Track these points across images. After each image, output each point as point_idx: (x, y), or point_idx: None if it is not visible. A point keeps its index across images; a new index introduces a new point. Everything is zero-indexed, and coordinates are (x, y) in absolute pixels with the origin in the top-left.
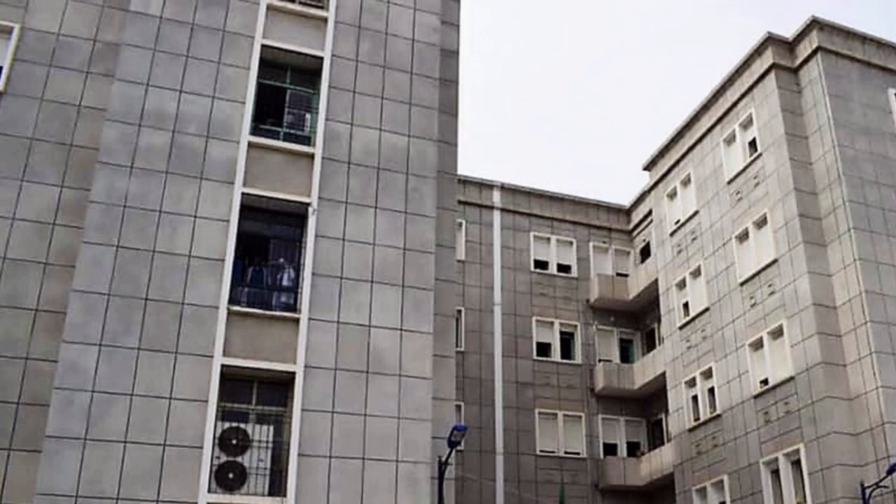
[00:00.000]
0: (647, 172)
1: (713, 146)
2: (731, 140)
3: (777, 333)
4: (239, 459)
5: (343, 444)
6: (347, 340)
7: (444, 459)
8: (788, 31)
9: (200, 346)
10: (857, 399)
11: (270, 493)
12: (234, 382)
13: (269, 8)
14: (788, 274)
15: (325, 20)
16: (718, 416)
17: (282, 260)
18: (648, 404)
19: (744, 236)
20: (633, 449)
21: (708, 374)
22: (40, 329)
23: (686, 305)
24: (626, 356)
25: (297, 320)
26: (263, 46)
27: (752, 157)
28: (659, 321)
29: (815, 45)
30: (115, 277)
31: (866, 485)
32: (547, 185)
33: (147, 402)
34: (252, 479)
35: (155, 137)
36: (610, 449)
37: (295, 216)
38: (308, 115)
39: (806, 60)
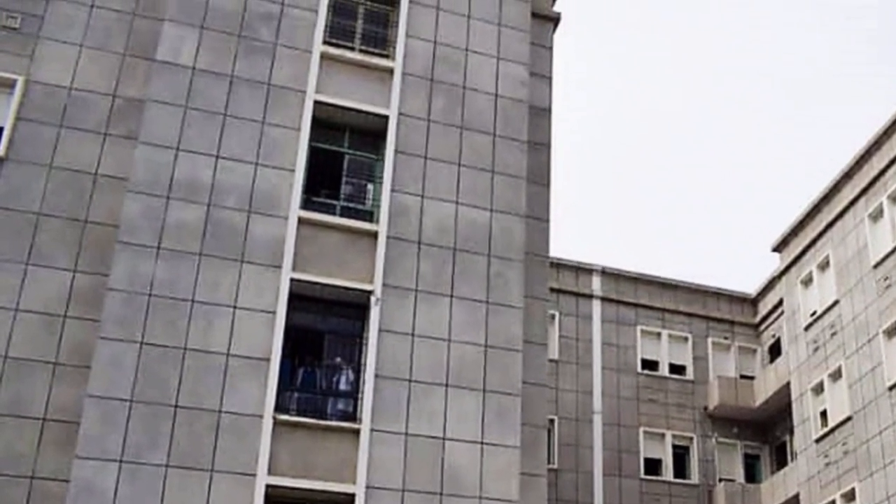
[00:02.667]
0: (776, 254)
1: (856, 223)
2: (877, 216)
3: None
4: None
5: None
6: (417, 456)
7: None
8: None
9: (241, 462)
10: None
11: None
12: None
13: (324, 57)
14: None
15: (390, 72)
16: None
17: (339, 359)
18: None
19: (893, 331)
20: None
21: (850, 497)
22: (49, 442)
23: (824, 414)
24: (751, 475)
25: (357, 432)
26: (316, 103)
27: None
28: (791, 433)
29: None
30: (138, 380)
31: None
32: (656, 270)
33: None
34: None
35: (186, 212)
36: None
37: (354, 307)
38: (370, 186)
39: None
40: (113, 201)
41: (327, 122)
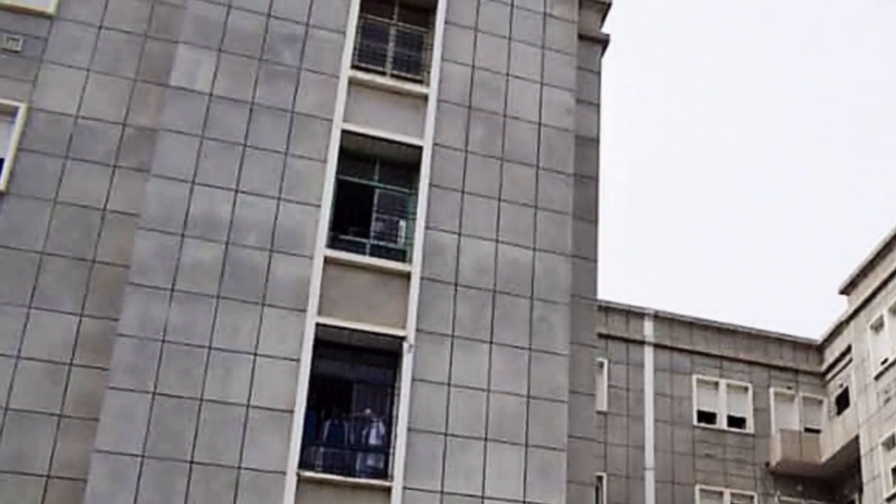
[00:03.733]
0: (844, 297)
1: None
2: None
3: None
4: None
5: None
6: None
7: None
8: None
9: None
10: None
11: None
12: None
13: (352, 82)
14: None
15: (424, 98)
16: None
17: (368, 411)
18: None
19: None
20: None
21: None
22: (53, 501)
23: None
24: None
25: (388, 490)
26: (344, 132)
27: None
28: (861, 491)
29: None
30: (150, 434)
31: None
32: (713, 314)
33: None
34: None
35: (203, 251)
36: None
37: (385, 354)
38: (402, 223)
39: None
40: (123, 239)
41: (356, 154)
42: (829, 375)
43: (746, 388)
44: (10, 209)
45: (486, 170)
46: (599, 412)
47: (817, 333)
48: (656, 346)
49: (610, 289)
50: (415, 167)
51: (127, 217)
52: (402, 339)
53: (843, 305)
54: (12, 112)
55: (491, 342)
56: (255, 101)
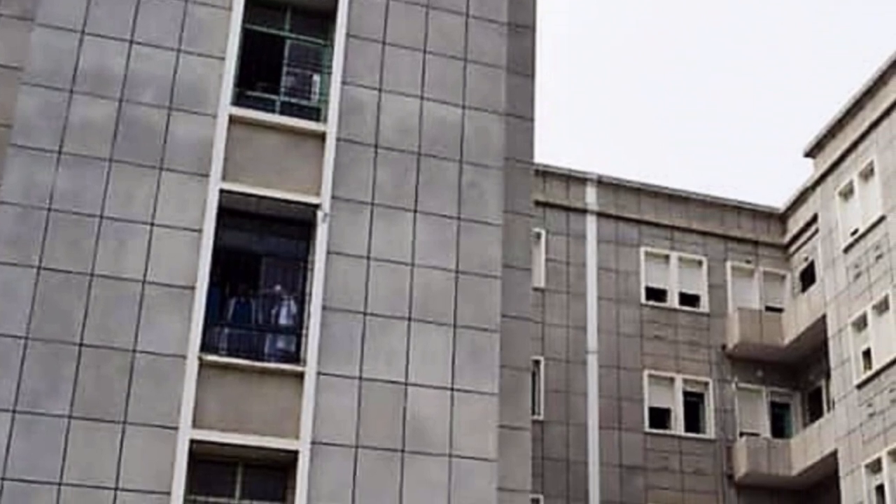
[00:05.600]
0: (809, 160)
1: None
2: None
3: None
4: None
5: None
6: (374, 405)
7: None
8: None
9: (160, 413)
10: None
11: None
12: (210, 466)
13: None
14: None
15: None
16: None
17: (278, 288)
18: (813, 499)
19: None
20: None
21: None
22: None
23: (867, 354)
24: (779, 428)
25: (300, 376)
26: None
27: None
28: (828, 377)
29: None
30: (35, 313)
31: None
32: (664, 179)
33: (83, 495)
34: None
35: (93, 109)
36: None
37: (297, 224)
38: (316, 78)
39: None
40: (4, 95)
41: (264, 0)
42: (793, 248)
43: (700, 262)
44: None
45: (410, 18)
46: (536, 289)
47: (779, 201)
48: (600, 214)
49: (548, 151)
50: (330, 15)
51: (9, 71)
52: (316, 207)
53: (809, 170)
54: None
55: (415, 211)
56: None
